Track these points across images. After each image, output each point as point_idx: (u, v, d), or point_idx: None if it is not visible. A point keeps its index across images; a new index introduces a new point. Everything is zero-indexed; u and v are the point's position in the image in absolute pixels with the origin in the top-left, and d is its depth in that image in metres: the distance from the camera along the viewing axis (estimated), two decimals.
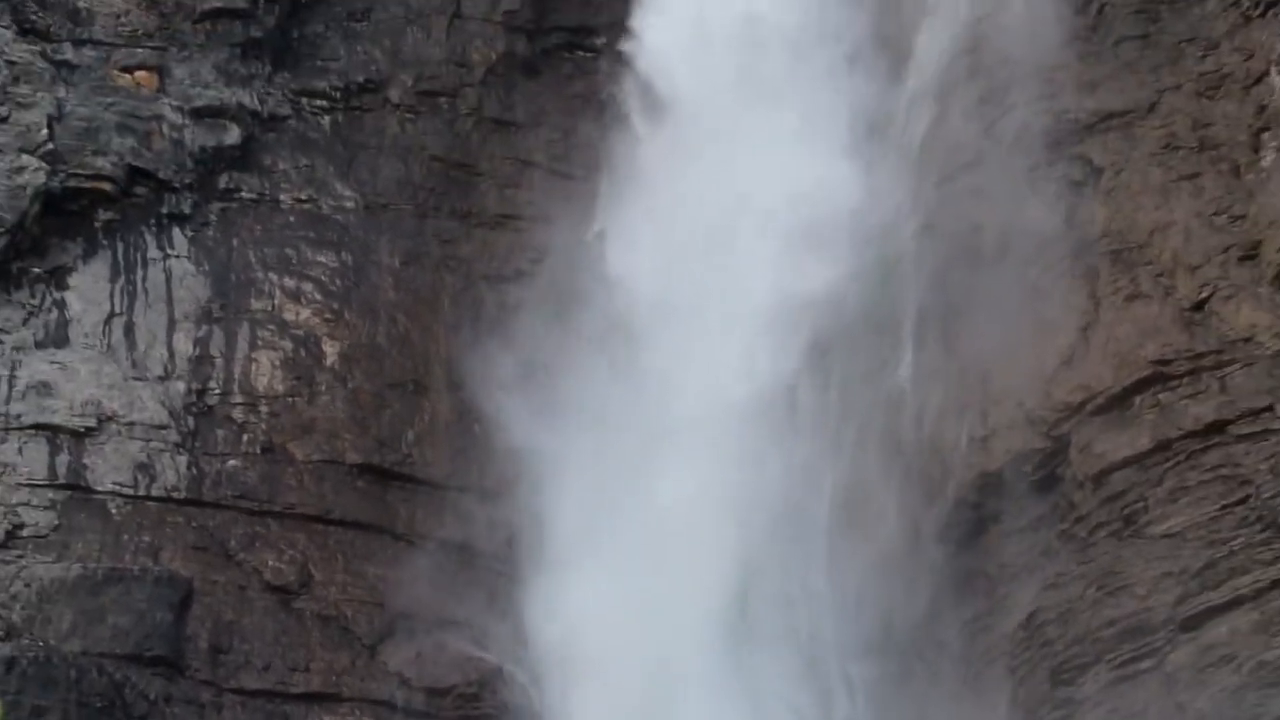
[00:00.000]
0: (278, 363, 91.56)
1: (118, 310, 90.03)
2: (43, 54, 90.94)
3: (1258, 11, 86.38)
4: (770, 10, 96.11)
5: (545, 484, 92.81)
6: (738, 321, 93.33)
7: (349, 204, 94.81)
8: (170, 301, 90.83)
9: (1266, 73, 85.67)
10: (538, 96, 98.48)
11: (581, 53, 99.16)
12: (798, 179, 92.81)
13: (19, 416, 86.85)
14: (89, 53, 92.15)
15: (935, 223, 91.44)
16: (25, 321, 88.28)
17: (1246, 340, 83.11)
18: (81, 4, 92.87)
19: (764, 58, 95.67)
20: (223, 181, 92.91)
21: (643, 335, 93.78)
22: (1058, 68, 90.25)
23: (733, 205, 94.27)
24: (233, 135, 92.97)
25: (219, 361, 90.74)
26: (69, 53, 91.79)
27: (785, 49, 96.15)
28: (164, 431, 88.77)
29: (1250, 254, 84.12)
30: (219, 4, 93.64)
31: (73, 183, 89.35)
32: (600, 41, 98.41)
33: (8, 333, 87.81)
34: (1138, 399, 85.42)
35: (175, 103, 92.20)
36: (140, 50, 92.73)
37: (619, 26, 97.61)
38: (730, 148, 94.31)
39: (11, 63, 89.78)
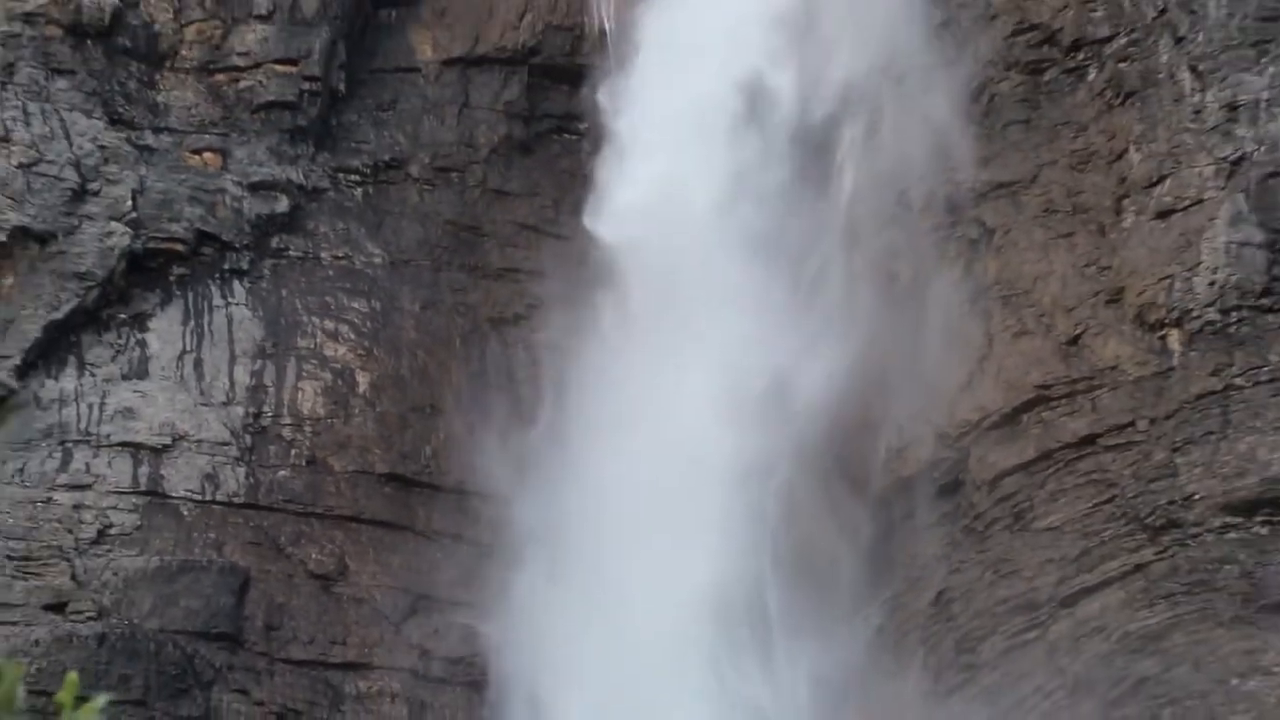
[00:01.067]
0: (319, 390, 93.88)
1: (188, 348, 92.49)
2: (128, 139, 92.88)
3: (1119, 101, 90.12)
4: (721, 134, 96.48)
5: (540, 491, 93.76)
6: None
7: (377, 260, 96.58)
8: (231, 341, 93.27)
9: (1126, 150, 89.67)
10: (532, 171, 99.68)
11: (568, 135, 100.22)
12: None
13: (108, 436, 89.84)
14: (165, 138, 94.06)
15: (858, 273, 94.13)
16: (113, 358, 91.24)
17: (1112, 369, 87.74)
18: (159, 98, 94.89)
19: (710, 164, 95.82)
20: (274, 242, 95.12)
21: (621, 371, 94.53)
22: (957, 146, 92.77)
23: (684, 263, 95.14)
24: (282, 204, 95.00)
25: (271, 390, 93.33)
26: (149, 138, 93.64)
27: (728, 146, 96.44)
28: (226, 447, 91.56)
29: (1115, 298, 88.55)
30: (271, 98, 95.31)
31: (152, 244, 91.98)
32: (583, 126, 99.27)
33: (99, 367, 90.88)
34: (1024, 417, 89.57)
35: (235, 178, 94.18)
36: (207, 136, 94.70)
37: (598, 115, 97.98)
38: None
39: (103, 147, 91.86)
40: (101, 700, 6.09)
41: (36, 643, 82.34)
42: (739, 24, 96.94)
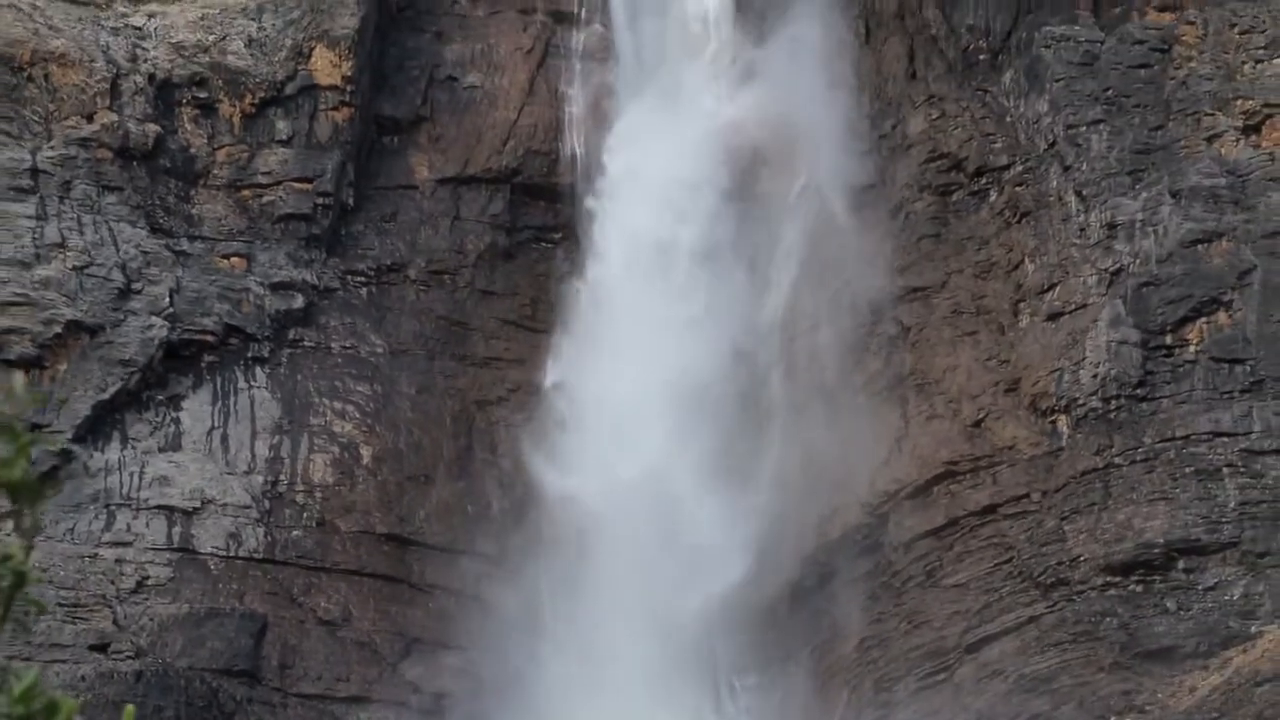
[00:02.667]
0: (328, 462, 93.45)
1: (216, 425, 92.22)
2: (167, 246, 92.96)
3: (1016, 219, 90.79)
4: (682, 234, 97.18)
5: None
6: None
7: (379, 350, 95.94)
8: (253, 419, 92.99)
9: (1022, 261, 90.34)
10: (513, 274, 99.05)
11: (544, 244, 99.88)
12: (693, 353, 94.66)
13: (146, 500, 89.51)
14: (199, 245, 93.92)
15: (796, 366, 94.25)
16: (151, 433, 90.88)
17: (1010, 448, 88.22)
18: (194, 211, 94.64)
19: (675, 266, 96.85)
20: (291, 334, 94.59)
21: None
22: (878, 256, 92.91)
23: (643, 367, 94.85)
24: (298, 302, 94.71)
25: (287, 461, 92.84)
26: (185, 245, 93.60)
27: (691, 259, 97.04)
28: (248, 510, 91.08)
29: (1012, 388, 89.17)
30: (290, 211, 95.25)
31: (186, 335, 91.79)
32: (557, 237, 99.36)
33: (139, 440, 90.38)
34: (935, 489, 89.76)
35: (258, 279, 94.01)
36: (234, 243, 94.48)
37: (570, 228, 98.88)
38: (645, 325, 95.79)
39: (145, 252, 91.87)
40: None
41: (83, 678, 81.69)
42: (691, 149, 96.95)
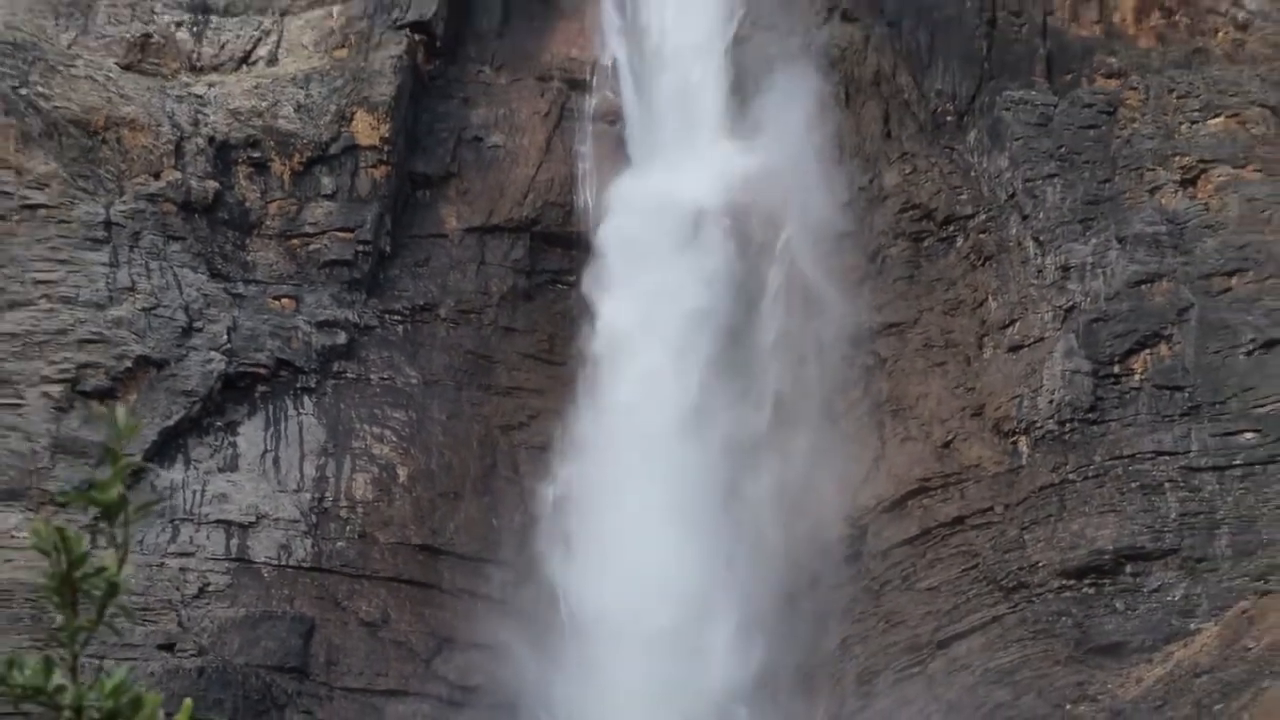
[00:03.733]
0: (368, 481, 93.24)
1: (269, 448, 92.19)
2: (224, 289, 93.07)
3: (980, 263, 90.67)
4: (684, 275, 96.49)
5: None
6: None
7: (414, 380, 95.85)
8: (301, 442, 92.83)
9: (986, 300, 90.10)
10: (533, 313, 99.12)
11: (560, 286, 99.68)
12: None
13: (207, 514, 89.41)
14: (253, 288, 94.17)
15: (785, 394, 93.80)
16: (211, 455, 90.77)
17: (976, 466, 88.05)
18: (249, 258, 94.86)
19: (671, 313, 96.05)
20: (335, 367, 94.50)
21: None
22: (858, 295, 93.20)
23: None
24: (341, 338, 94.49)
25: (331, 480, 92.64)
26: (241, 288, 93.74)
27: (692, 295, 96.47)
28: (297, 524, 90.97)
29: (978, 412, 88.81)
30: (334, 257, 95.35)
31: (241, 369, 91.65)
32: (572, 279, 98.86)
33: (200, 462, 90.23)
34: (910, 503, 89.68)
35: (306, 318, 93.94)
36: (284, 286, 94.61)
37: (581, 272, 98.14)
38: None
39: (205, 295, 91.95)
40: None
41: (152, 674, 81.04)
42: (690, 201, 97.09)
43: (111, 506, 6.59)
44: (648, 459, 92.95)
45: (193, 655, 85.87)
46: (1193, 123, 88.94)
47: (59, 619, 6.85)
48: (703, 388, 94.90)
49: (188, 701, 6.97)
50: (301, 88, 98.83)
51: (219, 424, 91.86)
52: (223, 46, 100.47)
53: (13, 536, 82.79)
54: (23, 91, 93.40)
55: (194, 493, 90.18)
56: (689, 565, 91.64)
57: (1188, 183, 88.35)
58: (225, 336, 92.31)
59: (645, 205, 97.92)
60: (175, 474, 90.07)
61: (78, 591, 6.63)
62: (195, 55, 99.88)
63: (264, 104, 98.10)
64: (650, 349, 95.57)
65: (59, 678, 6.69)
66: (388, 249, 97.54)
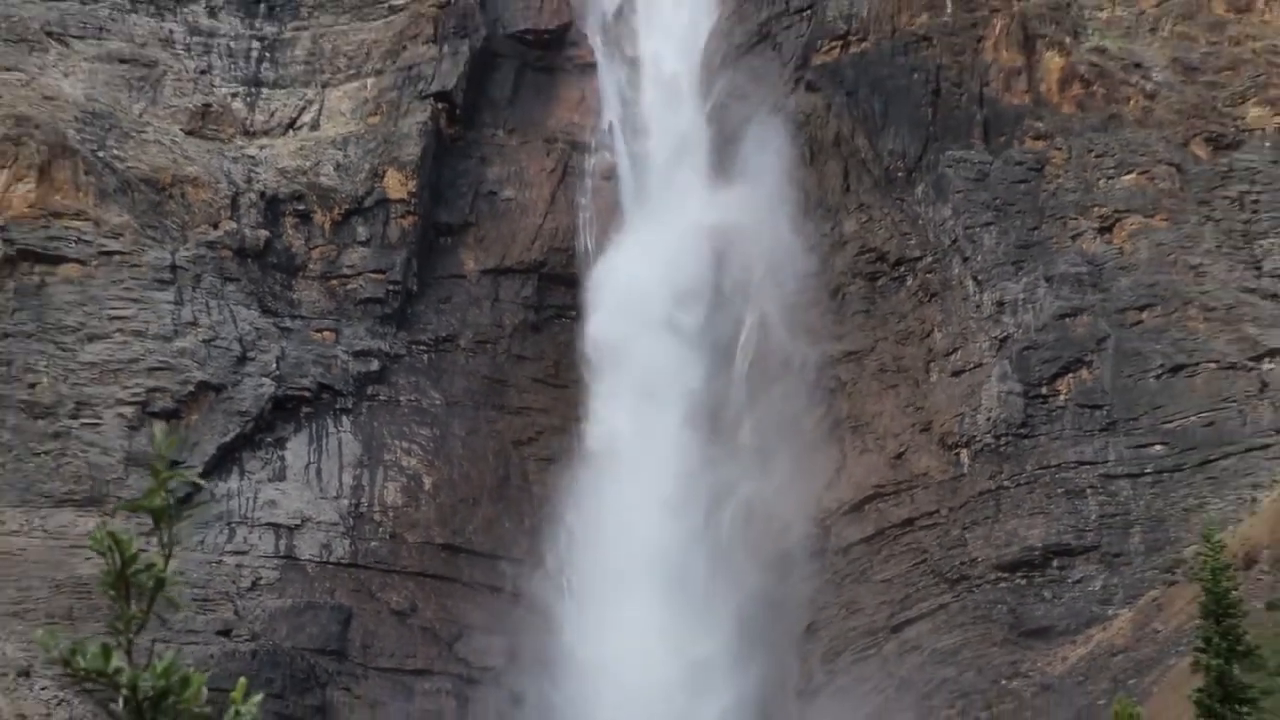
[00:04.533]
0: (398, 489, 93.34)
1: (312, 460, 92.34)
2: (274, 323, 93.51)
3: (927, 299, 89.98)
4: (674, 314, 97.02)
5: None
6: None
7: (437, 402, 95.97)
8: (340, 455, 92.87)
9: (932, 331, 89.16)
10: (540, 343, 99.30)
11: (564, 319, 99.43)
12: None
13: (259, 518, 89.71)
14: (298, 322, 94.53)
15: (758, 413, 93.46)
16: (262, 467, 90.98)
17: (924, 475, 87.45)
18: (295, 296, 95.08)
19: (666, 346, 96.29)
20: (369, 390, 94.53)
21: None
22: (822, 326, 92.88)
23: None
24: (375, 365, 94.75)
25: (366, 488, 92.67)
26: (288, 322, 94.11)
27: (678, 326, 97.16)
28: (336, 526, 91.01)
29: (925, 428, 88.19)
30: (368, 295, 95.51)
31: (288, 392, 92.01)
32: (574, 314, 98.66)
33: (253, 473, 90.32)
34: (867, 506, 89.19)
35: (344, 349, 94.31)
36: (325, 320, 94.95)
37: (581, 308, 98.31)
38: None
39: (257, 328, 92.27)
40: (257, 696, 6.41)
41: (211, 656, 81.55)
42: (675, 246, 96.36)
43: (157, 512, 6.57)
44: (641, 459, 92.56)
45: (247, 640, 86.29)
46: (1109, 178, 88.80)
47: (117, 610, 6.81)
48: (683, 413, 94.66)
49: (242, 680, 6.94)
50: (340, 149, 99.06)
51: (269, 440, 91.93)
52: (272, 114, 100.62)
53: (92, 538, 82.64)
54: (100, 154, 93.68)
55: (247, 499, 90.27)
56: (675, 554, 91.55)
57: (1105, 230, 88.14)
58: (274, 364, 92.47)
59: (636, 251, 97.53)
60: (231, 484, 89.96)
61: (130, 585, 6.62)
62: (249, 122, 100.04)
63: (308, 163, 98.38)
64: (636, 378, 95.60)
65: (117, 660, 6.66)
66: (414, 288, 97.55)
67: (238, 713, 6.46)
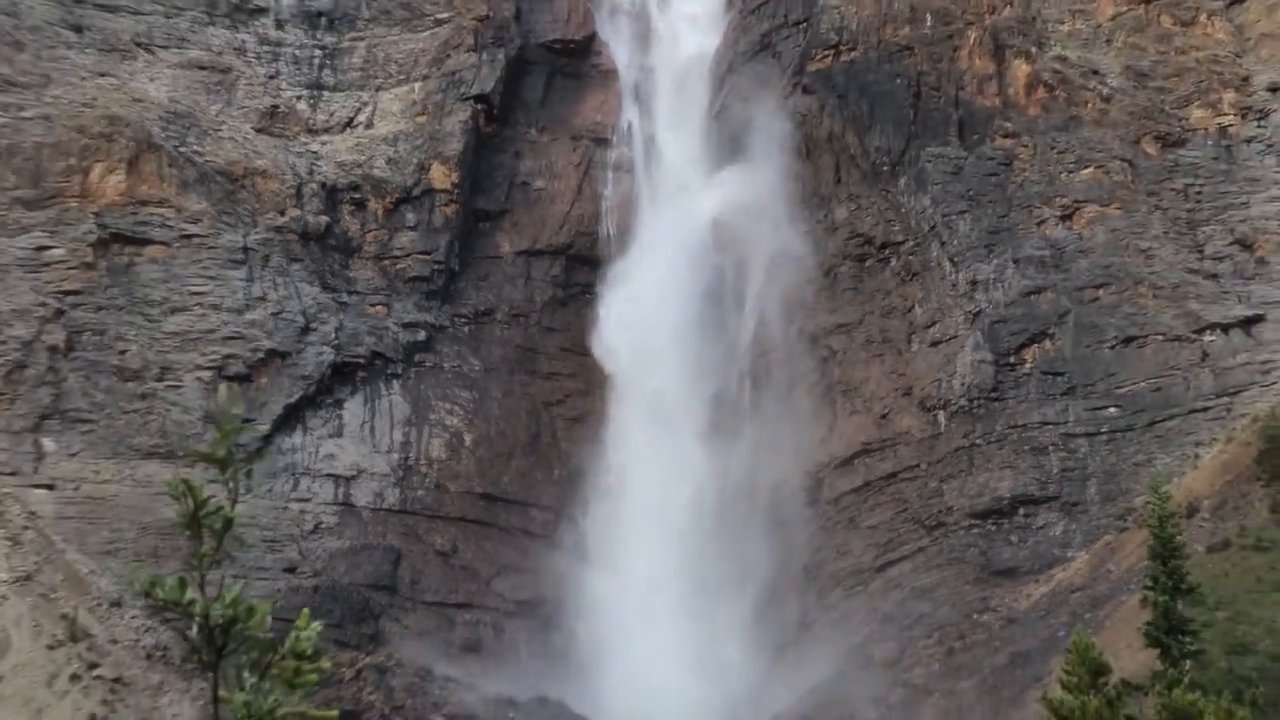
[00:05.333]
0: (442, 445, 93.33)
1: (366, 419, 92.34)
2: (333, 299, 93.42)
3: (909, 278, 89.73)
4: (683, 286, 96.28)
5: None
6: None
7: (477, 368, 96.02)
8: (391, 415, 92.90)
9: (913, 307, 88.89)
10: (568, 316, 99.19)
11: (588, 295, 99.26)
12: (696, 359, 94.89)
13: (320, 470, 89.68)
14: (354, 298, 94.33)
15: (759, 378, 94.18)
16: (323, 425, 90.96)
17: (906, 433, 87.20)
18: (351, 274, 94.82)
19: (671, 316, 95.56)
20: (416, 358, 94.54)
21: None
22: (817, 302, 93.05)
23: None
24: (421, 336, 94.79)
25: (414, 444, 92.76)
26: (345, 298, 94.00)
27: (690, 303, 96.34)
28: (388, 477, 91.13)
29: (907, 392, 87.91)
30: (416, 274, 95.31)
31: (346, 359, 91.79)
32: (597, 289, 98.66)
33: (314, 430, 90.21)
34: (856, 460, 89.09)
35: (395, 321, 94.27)
36: (378, 296, 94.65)
37: (601, 285, 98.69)
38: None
39: (319, 303, 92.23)
40: (318, 625, 6.44)
41: (278, 590, 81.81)
42: (687, 230, 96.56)
43: (221, 461, 6.67)
44: (653, 418, 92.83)
45: (309, 577, 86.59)
46: (1069, 172, 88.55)
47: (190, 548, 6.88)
48: (692, 378, 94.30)
49: (305, 611, 7.05)
50: (391, 145, 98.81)
51: (328, 401, 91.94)
52: (332, 114, 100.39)
53: None
54: (182, 149, 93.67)
55: (310, 453, 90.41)
56: (685, 503, 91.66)
57: (1066, 217, 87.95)
58: (333, 334, 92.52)
59: (652, 235, 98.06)
60: (295, 439, 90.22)
61: (202, 526, 6.70)
62: (311, 121, 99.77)
63: (363, 158, 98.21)
64: (652, 354, 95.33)
65: (191, 593, 6.74)
66: (456, 267, 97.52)
67: (298, 638, 6.54)
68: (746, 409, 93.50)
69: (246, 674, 6.77)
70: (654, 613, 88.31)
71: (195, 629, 6.70)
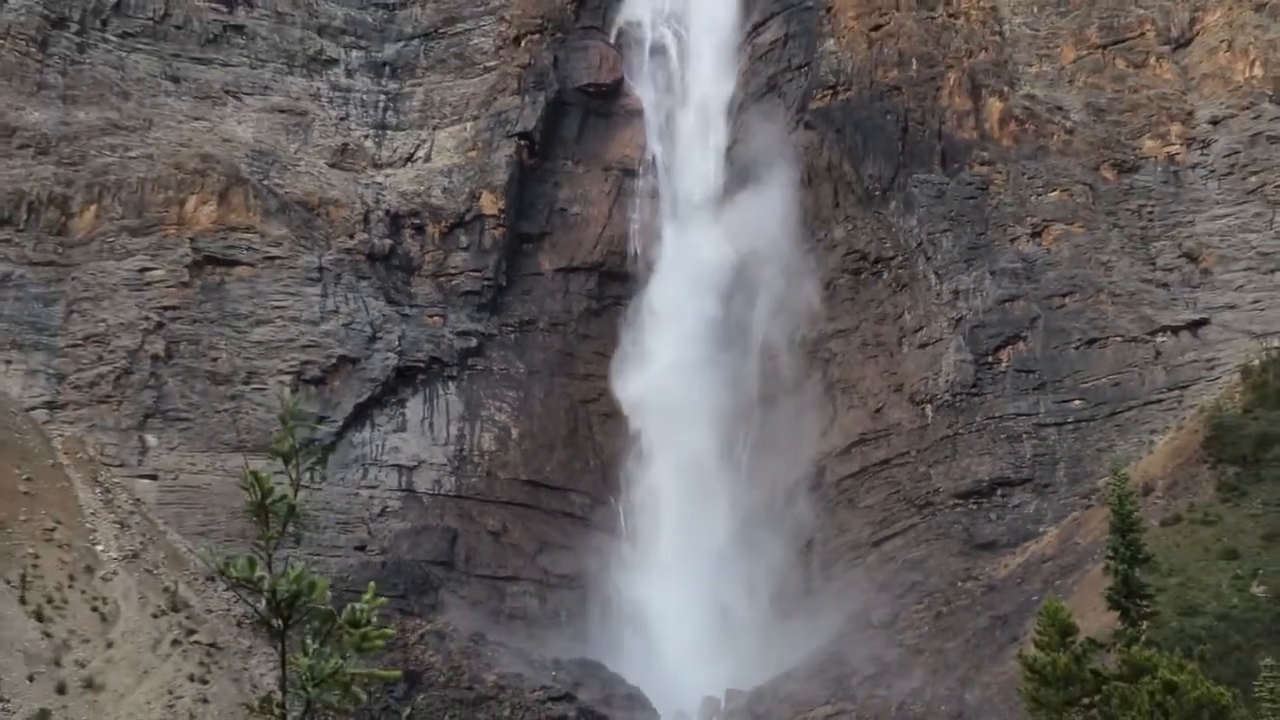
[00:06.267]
0: (492, 438, 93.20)
1: (425, 416, 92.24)
2: (396, 311, 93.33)
3: (899, 289, 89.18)
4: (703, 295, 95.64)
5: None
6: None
7: (521, 370, 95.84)
8: (447, 412, 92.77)
9: (903, 314, 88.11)
10: (601, 325, 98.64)
11: (619, 307, 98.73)
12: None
13: (385, 460, 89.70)
14: (415, 310, 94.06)
15: (768, 375, 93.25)
16: (388, 421, 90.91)
17: (898, 425, 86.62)
18: (412, 290, 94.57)
19: (696, 328, 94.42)
20: (469, 362, 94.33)
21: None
22: (817, 310, 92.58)
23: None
24: (473, 343, 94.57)
25: (468, 438, 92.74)
26: (407, 310, 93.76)
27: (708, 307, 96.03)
28: (444, 467, 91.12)
29: (899, 389, 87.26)
30: (469, 289, 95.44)
31: (407, 364, 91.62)
32: (627, 301, 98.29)
33: (380, 426, 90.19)
34: (854, 449, 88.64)
35: (450, 330, 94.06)
36: (435, 309, 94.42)
37: (631, 300, 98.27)
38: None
39: (384, 315, 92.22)
40: (382, 599, 6.45)
41: (351, 566, 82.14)
42: (706, 249, 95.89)
43: (286, 454, 6.63)
44: (676, 414, 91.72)
45: (377, 554, 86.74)
46: (1038, 195, 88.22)
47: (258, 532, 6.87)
48: (709, 379, 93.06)
49: (371, 584, 7.05)
50: (446, 177, 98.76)
51: (393, 400, 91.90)
52: (395, 151, 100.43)
53: None
54: (265, 183, 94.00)
55: (377, 446, 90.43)
56: (704, 487, 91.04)
57: (1035, 235, 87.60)
58: (397, 342, 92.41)
59: (674, 253, 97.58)
60: (364, 434, 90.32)
61: (268, 513, 6.67)
62: (377, 156, 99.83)
63: (422, 188, 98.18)
64: (684, 335, 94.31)
65: (260, 570, 6.73)
66: (503, 283, 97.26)
67: (355, 609, 6.54)
68: (758, 406, 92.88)
69: (310, 641, 6.75)
70: (678, 583, 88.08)
71: (264, 602, 6.69)
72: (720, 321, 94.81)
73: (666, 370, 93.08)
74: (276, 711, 6.83)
